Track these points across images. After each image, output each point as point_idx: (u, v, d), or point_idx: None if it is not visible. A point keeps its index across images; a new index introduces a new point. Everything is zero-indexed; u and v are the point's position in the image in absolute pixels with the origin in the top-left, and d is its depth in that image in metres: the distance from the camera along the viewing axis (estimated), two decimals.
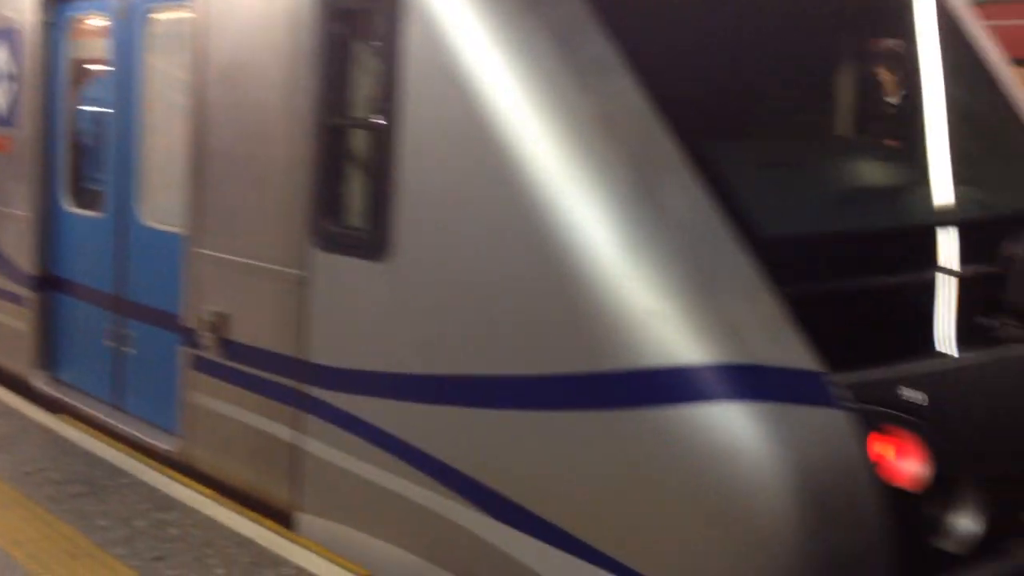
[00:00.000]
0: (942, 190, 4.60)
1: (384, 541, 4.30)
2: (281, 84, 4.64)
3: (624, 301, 3.50)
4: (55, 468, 5.30)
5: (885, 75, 4.95)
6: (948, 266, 4.06)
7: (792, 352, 3.48)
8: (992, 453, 3.70)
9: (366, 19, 4.24)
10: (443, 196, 3.94)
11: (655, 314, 3.47)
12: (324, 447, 4.55)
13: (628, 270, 3.51)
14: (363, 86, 4.29)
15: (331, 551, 4.51)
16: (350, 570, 4.20)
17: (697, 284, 3.50)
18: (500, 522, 3.82)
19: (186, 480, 5.10)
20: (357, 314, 4.34)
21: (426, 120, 3.96)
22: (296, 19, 4.56)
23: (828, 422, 3.43)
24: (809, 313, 3.55)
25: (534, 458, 3.73)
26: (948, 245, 4.19)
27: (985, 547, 3.65)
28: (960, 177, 4.65)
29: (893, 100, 4.99)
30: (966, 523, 3.62)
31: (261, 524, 4.66)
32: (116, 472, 5.27)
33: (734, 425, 3.37)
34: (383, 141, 4.11)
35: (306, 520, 4.69)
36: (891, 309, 3.81)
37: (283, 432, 4.78)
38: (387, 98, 4.07)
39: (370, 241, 4.21)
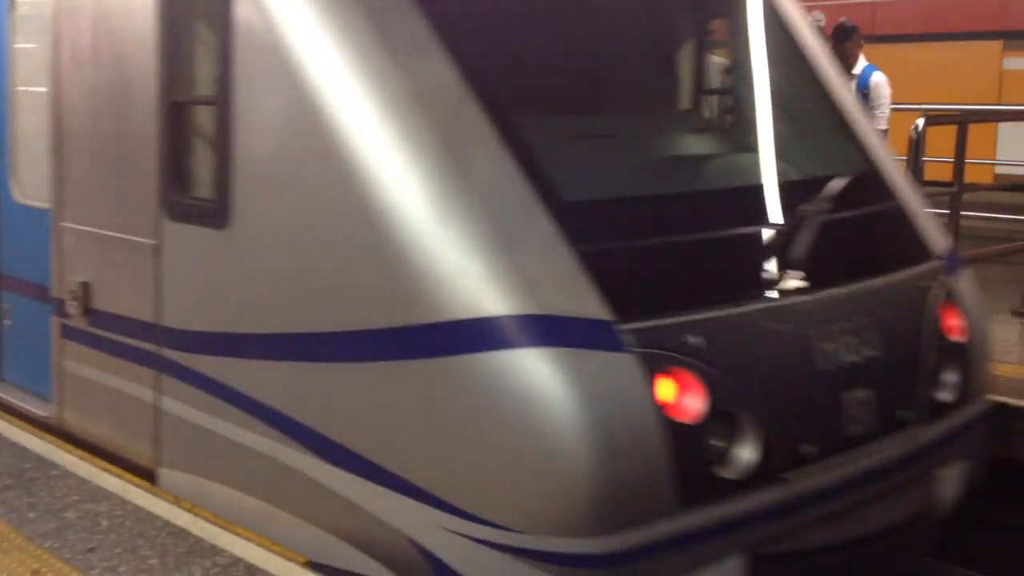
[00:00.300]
0: (743, 158, 5.00)
1: (234, 489, 4.59)
2: (130, 64, 4.86)
3: (434, 260, 3.82)
4: None
5: (699, 52, 5.32)
6: (738, 226, 4.43)
7: (585, 303, 3.83)
8: (769, 390, 4.08)
9: (201, 5, 4.49)
10: (274, 167, 4.23)
11: (462, 271, 3.80)
12: (180, 405, 4.81)
13: (438, 232, 3.83)
14: (202, 65, 4.54)
15: (191, 503, 4.78)
16: (288, 558, 4.19)
17: (500, 244, 3.83)
18: (332, 464, 4.13)
19: (117, 470, 4.99)
20: (203, 279, 4.61)
21: (256, 96, 4.23)
22: (141, 2, 4.78)
23: (616, 365, 3.79)
24: (602, 269, 3.90)
25: (361, 405, 4.05)
26: (742, 207, 4.57)
27: (764, 474, 4.05)
28: (763, 146, 5.03)
29: (708, 76, 5.37)
30: (744, 453, 4.00)
31: (196, 514, 4.57)
32: (45, 464, 5.10)
33: (532, 369, 3.71)
34: (219, 117, 4.37)
35: (166, 475, 4.96)
36: (680, 264, 4.17)
37: (145, 393, 5.03)
38: (221, 76, 4.33)
39: (212, 211, 4.47)
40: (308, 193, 4.09)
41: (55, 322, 5.60)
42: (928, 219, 5.43)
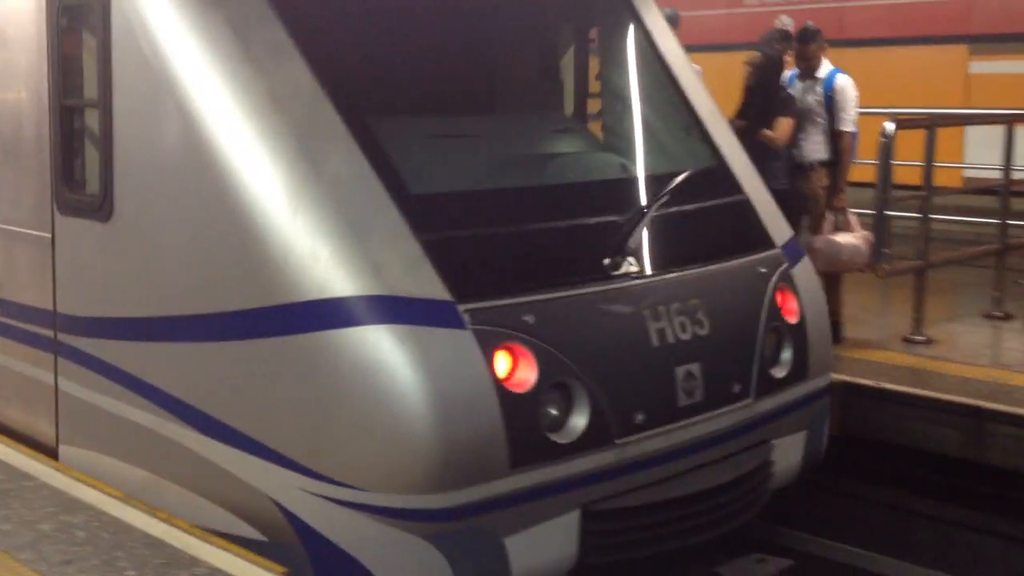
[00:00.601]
0: (592, 156, 5.42)
1: (123, 462, 4.95)
2: (25, 70, 5.21)
3: (289, 247, 4.20)
4: None
5: (560, 57, 5.74)
6: (577, 217, 4.85)
7: (427, 286, 4.23)
8: (601, 364, 4.50)
9: (85, 13, 4.85)
10: (149, 164, 4.59)
11: (315, 257, 4.18)
12: (76, 386, 5.15)
13: (293, 222, 4.21)
14: (86, 71, 4.89)
15: (89, 476, 5.11)
16: (267, 568, 4.12)
17: (349, 232, 4.22)
18: (205, 435, 4.50)
19: (94, 482, 4.86)
20: (92, 269, 4.96)
21: (131, 100, 4.60)
22: (34, 14, 5.13)
23: (455, 341, 4.19)
24: (444, 255, 4.31)
25: (227, 380, 4.42)
26: (583, 201, 4.99)
27: (596, 440, 4.47)
28: (614, 145, 5.46)
29: (569, 80, 5.79)
30: (577, 420, 4.41)
31: (172, 524, 4.46)
32: (19, 475, 4.94)
33: (378, 344, 4.11)
34: (101, 119, 4.73)
35: (66, 451, 5.29)
36: (517, 251, 4.58)
37: (45, 376, 5.36)
38: (102, 80, 4.69)
39: (97, 205, 4.83)
40: (179, 188, 4.46)
41: None
42: (773, 212, 5.87)
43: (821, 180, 7.59)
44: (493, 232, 4.53)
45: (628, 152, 5.59)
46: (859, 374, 6.72)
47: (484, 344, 4.21)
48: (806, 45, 7.72)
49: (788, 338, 5.41)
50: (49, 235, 5.17)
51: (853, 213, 7.60)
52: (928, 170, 7.72)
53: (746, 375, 5.12)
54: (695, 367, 4.84)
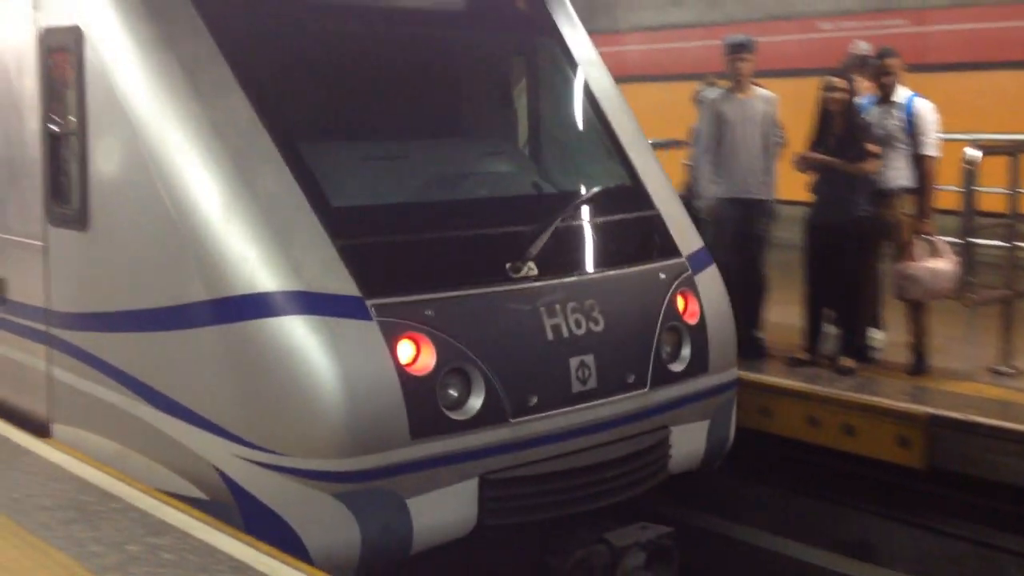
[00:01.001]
0: (508, 174, 6.13)
1: (100, 436, 5.72)
2: (20, 102, 6.04)
3: (224, 250, 4.95)
4: (45, 494, 5.08)
5: (487, 85, 6.46)
6: (482, 227, 5.55)
7: (340, 283, 4.94)
8: (497, 354, 5.16)
9: (65, 55, 5.66)
10: (115, 182, 5.39)
11: (244, 258, 4.93)
12: (63, 372, 5.94)
13: (227, 229, 4.96)
14: (68, 102, 5.70)
15: (77, 451, 5.88)
16: None
17: (274, 237, 4.95)
18: (160, 411, 5.25)
19: (180, 505, 4.99)
20: (74, 271, 5.76)
21: (101, 127, 5.40)
22: (27, 55, 5.97)
23: (363, 330, 4.89)
24: (356, 258, 5.02)
25: (176, 363, 5.18)
26: (492, 213, 5.69)
27: (491, 418, 5.14)
28: (528, 165, 6.15)
29: (495, 105, 6.51)
30: (473, 401, 5.09)
31: (259, 549, 4.50)
32: (107, 497, 5.02)
33: (296, 331, 4.84)
34: (79, 144, 5.54)
35: (57, 428, 6.07)
36: (423, 256, 5.27)
37: (40, 365, 6.16)
38: (78, 111, 5.50)
39: (77, 217, 5.63)
40: (136, 202, 5.25)
41: None
42: (683, 225, 6.50)
43: (904, 206, 7.47)
44: (402, 239, 5.25)
45: (545, 172, 6.29)
46: (945, 406, 6.64)
47: (387, 333, 4.91)
48: (886, 59, 7.56)
49: (687, 337, 6.04)
50: (42, 243, 5.99)
51: (942, 239, 7.36)
52: (1013, 197, 7.46)
53: (642, 367, 5.75)
54: (589, 359, 5.49)
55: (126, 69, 5.27)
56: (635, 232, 6.25)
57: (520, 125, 6.59)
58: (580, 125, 6.58)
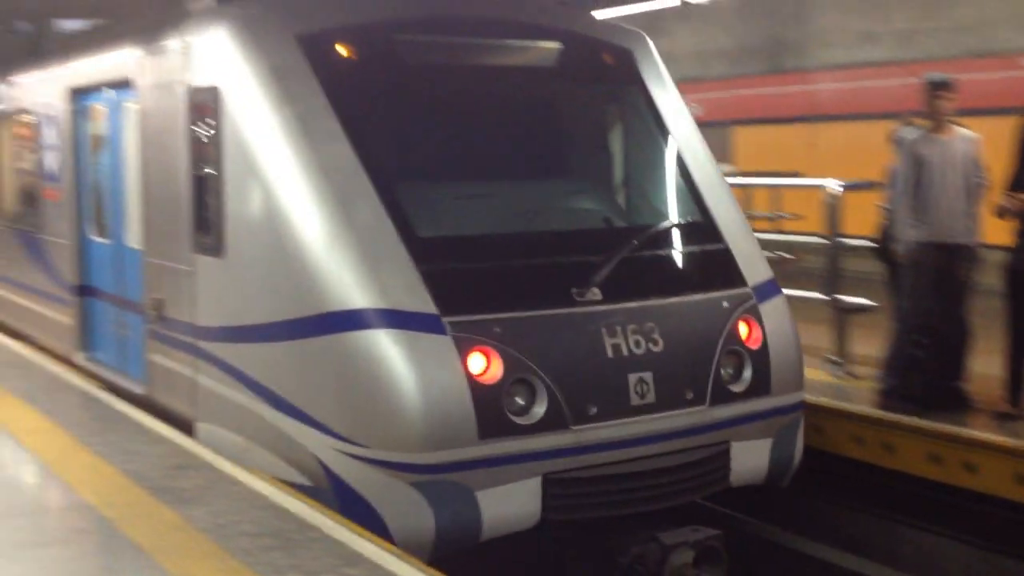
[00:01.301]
0: (582, 210, 6.83)
1: (229, 431, 6.68)
2: (176, 150, 7.13)
3: (325, 273, 5.82)
4: (247, 521, 5.30)
5: (583, 128, 7.20)
6: (555, 256, 6.25)
7: (420, 303, 5.73)
8: (560, 367, 5.83)
9: (207, 110, 6.70)
10: (244, 216, 6.36)
11: (342, 280, 5.79)
12: (205, 377, 6.95)
13: (329, 255, 5.84)
14: (209, 150, 6.74)
15: (211, 446, 6.84)
16: None
17: (368, 264, 5.80)
18: (276, 409, 6.15)
19: (372, 537, 5.22)
20: (213, 291, 6.76)
21: (234, 170, 6.39)
22: (179, 110, 7.07)
23: (438, 343, 5.66)
24: (436, 281, 5.81)
25: (287, 368, 6.07)
26: (564, 245, 6.39)
27: (554, 424, 5.80)
28: (609, 202, 6.83)
29: (583, 150, 7.23)
30: (537, 409, 5.77)
31: None
32: (305, 526, 5.25)
33: (381, 343, 5.65)
34: (218, 185, 6.55)
35: (199, 426, 7.09)
36: (495, 280, 6.02)
37: (188, 371, 7.20)
38: (217, 157, 6.53)
39: (215, 246, 6.64)
40: (260, 232, 6.21)
41: (144, 327, 7.89)
42: (752, 258, 7.00)
43: None
44: (476, 266, 6.02)
45: (620, 208, 6.96)
46: None
47: (460, 346, 5.67)
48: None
49: (748, 360, 6.54)
50: (190, 268, 7.04)
51: None
52: None
53: (701, 386, 6.30)
54: (647, 375, 6.09)
55: (253, 122, 6.26)
56: (700, 263, 6.82)
57: (603, 166, 7.27)
58: (658, 166, 7.22)
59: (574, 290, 6.12)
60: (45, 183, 10.21)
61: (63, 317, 9.70)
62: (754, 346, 6.61)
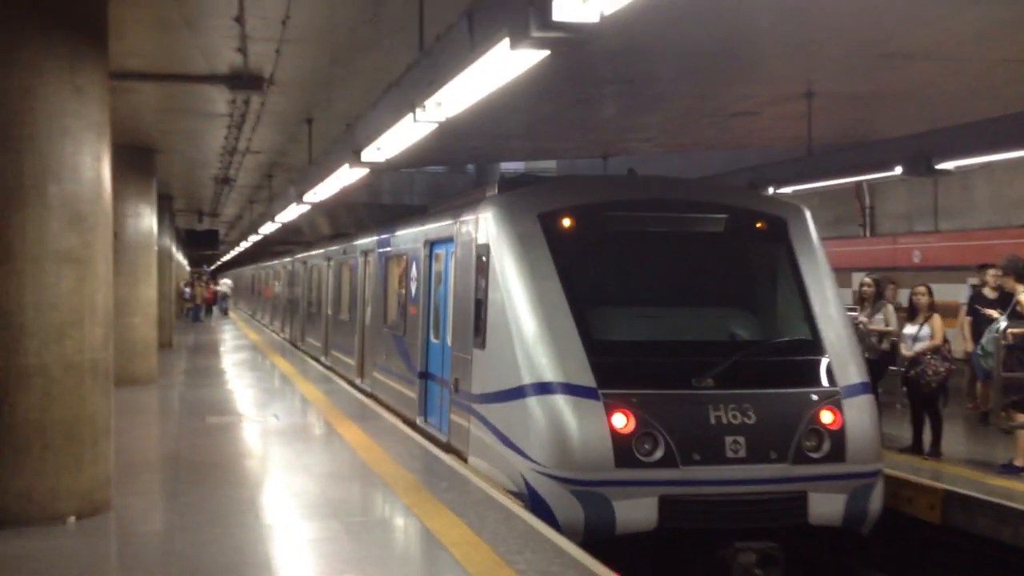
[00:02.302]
0: (722, 326, 9.77)
1: (482, 460, 10.18)
2: (470, 283, 10.93)
3: (533, 359, 9.25)
4: (529, 548, 7.37)
5: (740, 270, 10.19)
6: (686, 357, 9.26)
7: (586, 379, 8.98)
8: (676, 427, 8.79)
9: (481, 257, 10.45)
10: (496, 324, 9.96)
11: (542, 363, 9.17)
12: (474, 428, 10.54)
13: (534, 350, 9.27)
14: (483, 284, 10.45)
15: (475, 471, 10.33)
16: None
17: (558, 355, 9.15)
18: (503, 445, 9.57)
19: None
20: (480, 370, 10.40)
21: (494, 297, 10.03)
22: (472, 259, 10.88)
23: (593, 407, 8.86)
24: (599, 368, 9.03)
25: (508, 419, 9.49)
26: (696, 350, 9.37)
27: (668, 463, 8.74)
28: (745, 324, 9.77)
29: (736, 285, 10.22)
30: (656, 452, 8.75)
31: None
32: (574, 562, 7.09)
33: (558, 403, 8.95)
34: (485, 305, 10.22)
35: (470, 460, 10.65)
36: (639, 370, 9.11)
37: (466, 424, 10.83)
38: (486, 288, 10.22)
39: (481, 343, 10.28)
40: (502, 334, 9.77)
41: (449, 397, 11.67)
42: (848, 366, 9.55)
43: None
44: (628, 359, 9.18)
45: (750, 329, 9.83)
46: None
47: (607, 409, 8.82)
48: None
49: (827, 436, 9.09)
50: (471, 357, 10.74)
51: None
52: None
53: (783, 449, 8.95)
54: (740, 438, 8.87)
55: (504, 266, 9.91)
56: (799, 368, 9.51)
57: (745, 300, 10.22)
58: (785, 301, 10.04)
59: (694, 380, 9.09)
60: (411, 303, 14.55)
61: (412, 394, 13.83)
62: (834, 427, 9.14)
